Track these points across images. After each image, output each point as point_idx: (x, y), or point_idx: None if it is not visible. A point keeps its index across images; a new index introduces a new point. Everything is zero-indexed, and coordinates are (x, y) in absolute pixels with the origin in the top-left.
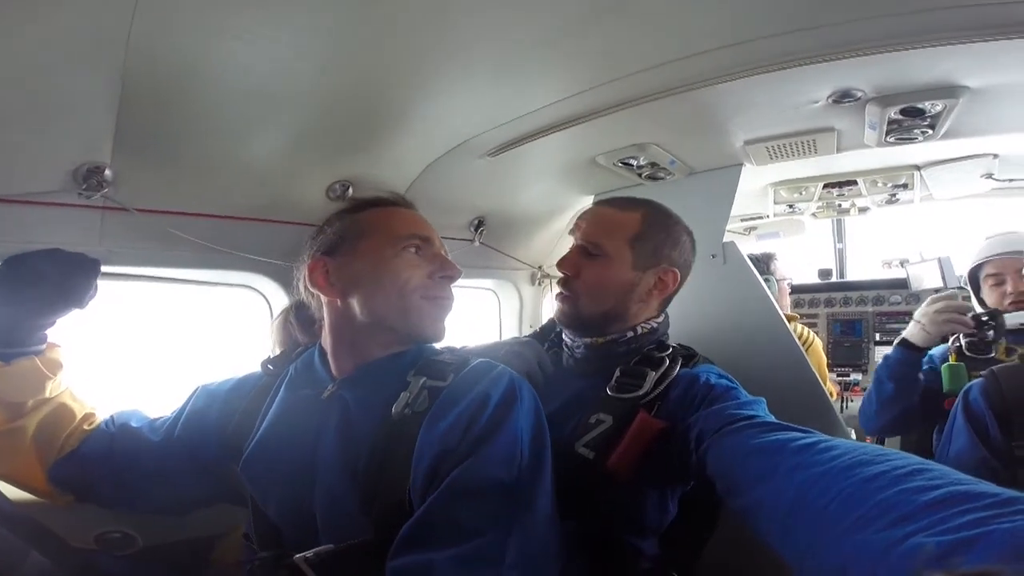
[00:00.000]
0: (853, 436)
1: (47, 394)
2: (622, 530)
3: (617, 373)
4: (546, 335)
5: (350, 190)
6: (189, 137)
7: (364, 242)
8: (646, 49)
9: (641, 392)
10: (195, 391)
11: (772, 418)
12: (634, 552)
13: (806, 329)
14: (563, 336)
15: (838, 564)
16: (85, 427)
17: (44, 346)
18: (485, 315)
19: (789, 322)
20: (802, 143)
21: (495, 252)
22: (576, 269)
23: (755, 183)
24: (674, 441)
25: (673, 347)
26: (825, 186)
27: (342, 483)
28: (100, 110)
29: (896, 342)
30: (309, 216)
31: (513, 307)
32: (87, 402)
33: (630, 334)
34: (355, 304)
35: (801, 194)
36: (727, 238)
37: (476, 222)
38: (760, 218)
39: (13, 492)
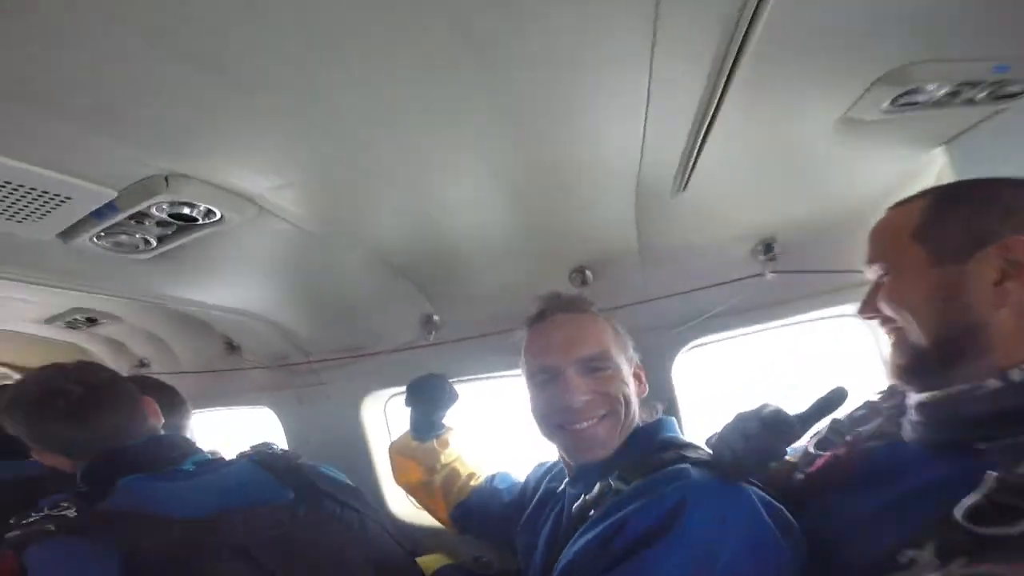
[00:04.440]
0: None
1: (443, 461)
2: None
3: (992, 479)
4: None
5: (587, 273)
6: None
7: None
8: None
9: None
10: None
11: None
12: None
13: None
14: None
15: None
16: (471, 483)
17: (444, 431)
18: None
19: None
20: None
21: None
22: (872, 304)
23: None
24: None
25: None
26: None
27: (541, 565)
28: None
29: None
30: None
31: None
32: (471, 464)
33: (994, 382)
34: None
35: None
36: None
37: (762, 246)
38: None
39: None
